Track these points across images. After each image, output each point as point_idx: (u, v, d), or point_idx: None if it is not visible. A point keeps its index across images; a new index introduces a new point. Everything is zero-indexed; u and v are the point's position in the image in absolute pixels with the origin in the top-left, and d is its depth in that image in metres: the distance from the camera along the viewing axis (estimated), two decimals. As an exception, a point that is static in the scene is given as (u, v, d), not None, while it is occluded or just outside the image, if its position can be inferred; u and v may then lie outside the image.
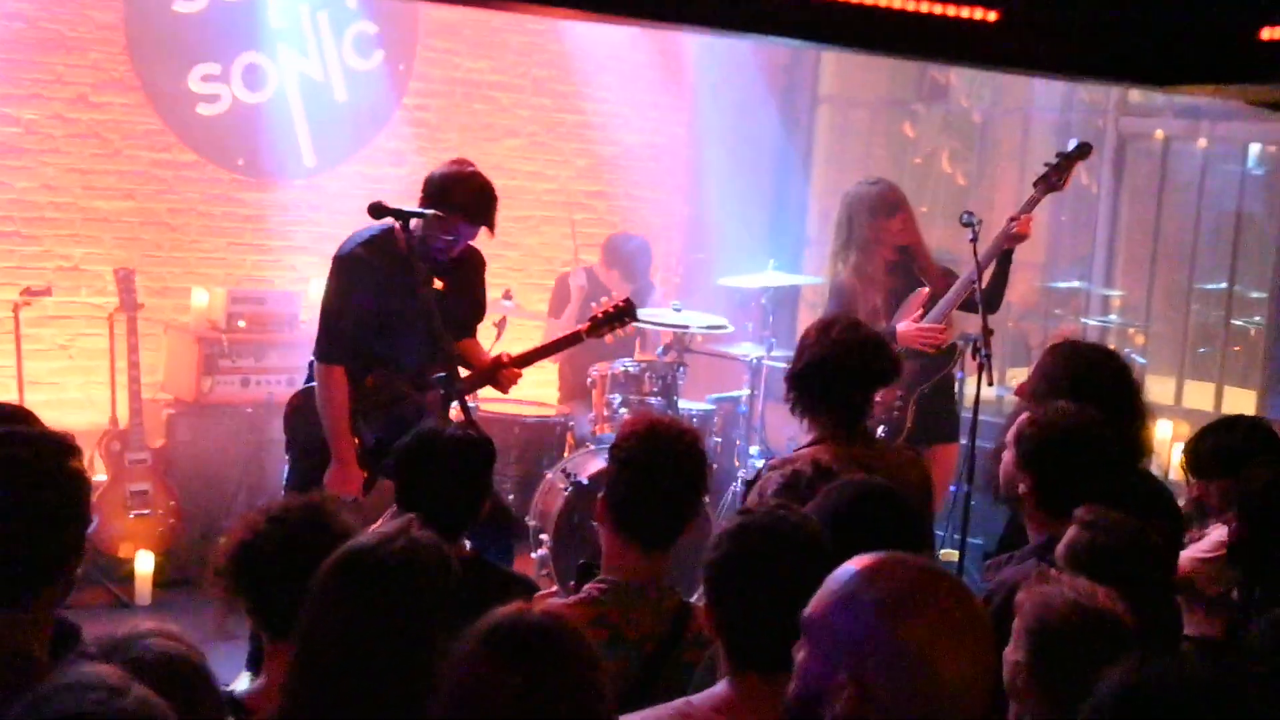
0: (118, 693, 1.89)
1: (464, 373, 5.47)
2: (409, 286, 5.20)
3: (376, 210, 5.14)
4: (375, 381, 5.37)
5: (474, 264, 5.60)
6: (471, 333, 5.69)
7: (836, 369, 4.29)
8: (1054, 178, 6.00)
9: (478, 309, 5.71)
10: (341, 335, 5.34)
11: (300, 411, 5.47)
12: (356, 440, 5.36)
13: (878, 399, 6.22)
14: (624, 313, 5.59)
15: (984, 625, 2.01)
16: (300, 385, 5.60)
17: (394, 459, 3.93)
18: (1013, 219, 6.14)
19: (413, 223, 5.25)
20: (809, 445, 4.26)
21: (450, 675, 2.25)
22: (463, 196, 5.27)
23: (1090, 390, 4.21)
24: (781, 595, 2.44)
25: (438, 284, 5.37)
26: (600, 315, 5.59)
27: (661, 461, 3.33)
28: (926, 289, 6.34)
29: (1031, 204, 6.12)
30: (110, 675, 1.93)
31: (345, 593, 2.57)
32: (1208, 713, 2.27)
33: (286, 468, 5.62)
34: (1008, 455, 3.92)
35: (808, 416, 4.33)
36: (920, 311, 6.35)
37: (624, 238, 8.14)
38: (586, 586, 3.34)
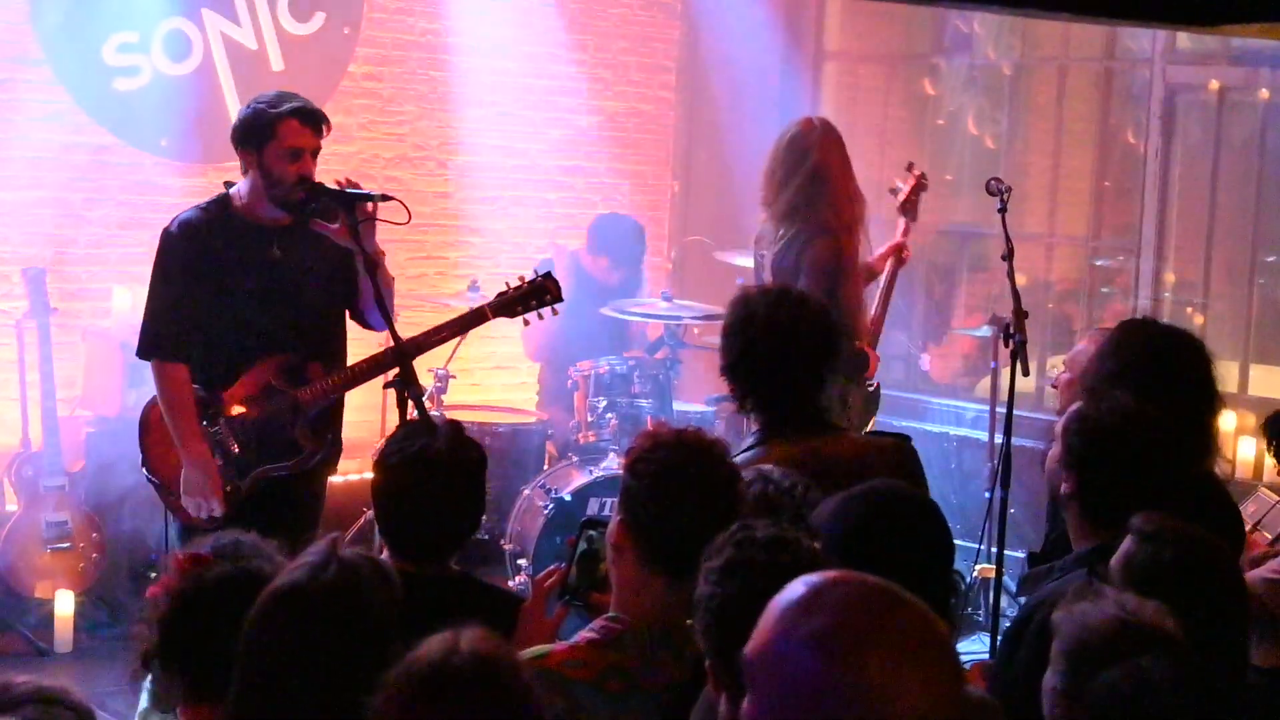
0: None
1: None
2: (258, 252, 5.17)
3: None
4: (241, 378, 5.21)
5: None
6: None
7: (769, 350, 4.21)
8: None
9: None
10: (173, 325, 5.18)
11: (156, 419, 5.27)
12: (218, 450, 5.18)
13: None
14: (542, 289, 5.31)
15: (943, 651, 1.99)
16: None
17: (378, 475, 3.88)
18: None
19: (242, 187, 5.21)
20: (750, 448, 4.18)
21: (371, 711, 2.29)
22: (266, 106, 5.19)
23: (1168, 378, 4.20)
24: None
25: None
26: (513, 291, 5.32)
27: (694, 476, 3.27)
28: None
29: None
30: None
31: (283, 636, 2.58)
32: None
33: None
34: (1054, 450, 3.90)
35: (753, 411, 4.26)
36: None
37: (614, 218, 8.14)
38: (599, 624, 3.32)
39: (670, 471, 3.26)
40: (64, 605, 6.85)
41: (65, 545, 7.00)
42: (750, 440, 4.23)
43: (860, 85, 9.43)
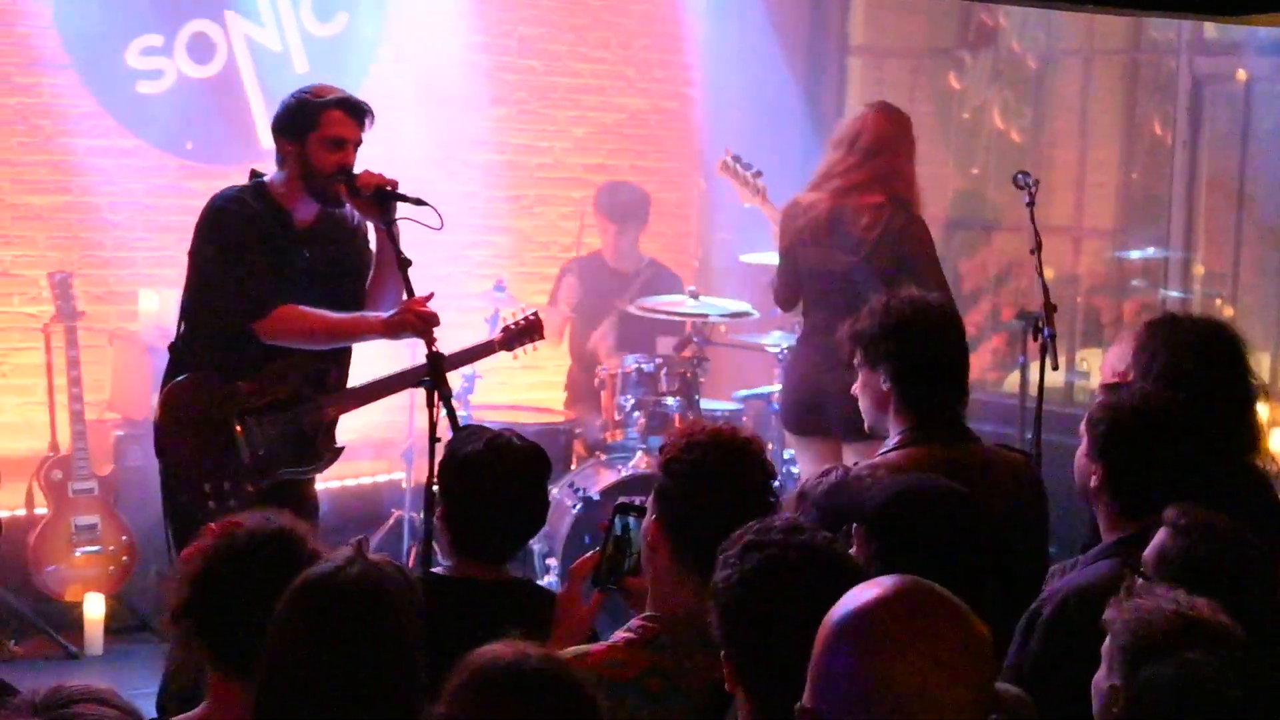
0: None
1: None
2: (292, 250, 5.20)
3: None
4: (267, 375, 5.21)
5: (352, 224, 5.39)
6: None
7: (941, 357, 4.33)
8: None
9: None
10: (258, 286, 5.11)
11: (178, 408, 5.21)
12: (246, 449, 5.14)
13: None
14: (532, 327, 5.58)
15: (978, 661, 2.04)
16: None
17: (450, 477, 3.96)
18: None
19: (277, 178, 5.23)
20: (897, 449, 4.28)
21: (437, 711, 2.36)
22: (310, 95, 5.22)
23: (1198, 372, 4.21)
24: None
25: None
26: (512, 328, 5.58)
27: (729, 474, 3.32)
28: None
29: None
30: None
31: (307, 628, 2.69)
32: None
33: (164, 492, 5.28)
34: (1082, 445, 3.92)
35: (901, 410, 4.33)
36: None
37: (614, 183, 8.31)
38: (636, 624, 3.35)
39: (705, 469, 3.28)
40: (94, 608, 6.90)
41: (95, 548, 7.04)
42: (896, 440, 4.29)
43: (885, 80, 9.41)
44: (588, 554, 3.70)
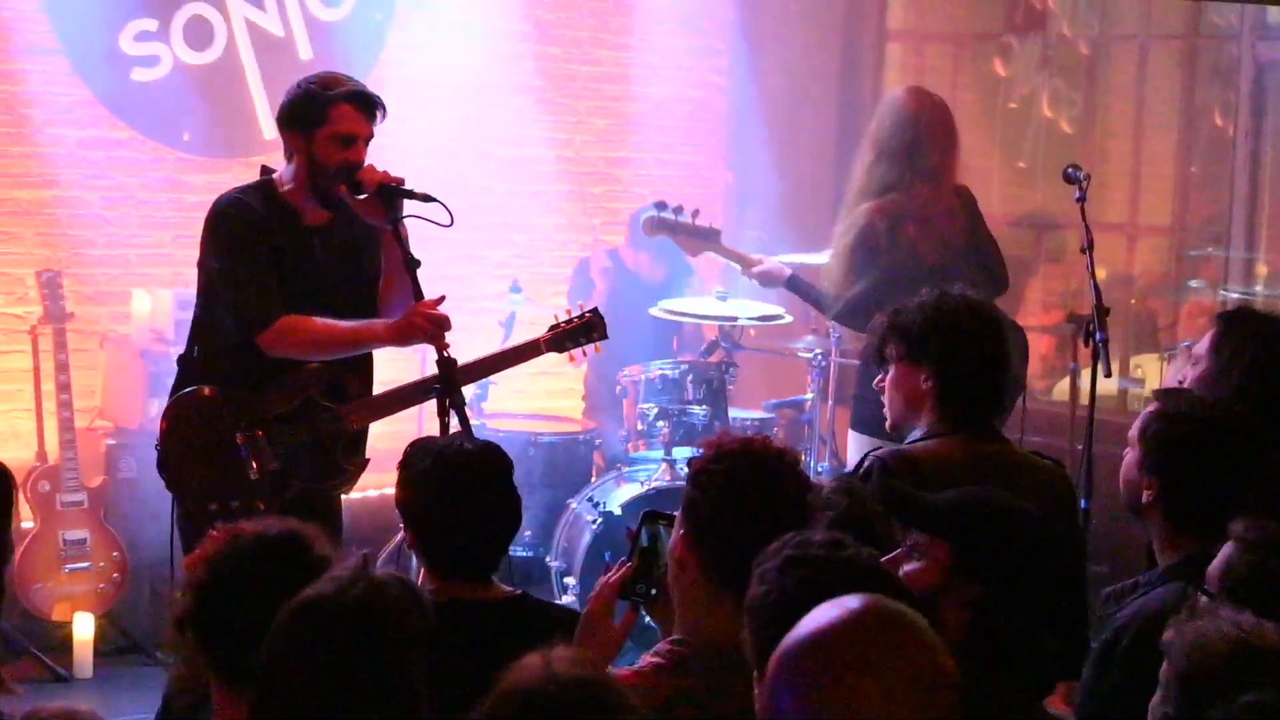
0: None
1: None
2: (301, 250, 5.17)
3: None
4: (281, 386, 5.17)
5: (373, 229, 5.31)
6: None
7: (987, 354, 4.36)
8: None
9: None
10: (260, 298, 5.07)
11: (182, 422, 5.17)
12: (254, 464, 5.11)
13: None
14: (591, 326, 5.47)
15: (937, 689, 2.06)
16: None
17: (405, 494, 3.97)
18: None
19: (285, 173, 5.20)
20: (925, 439, 4.30)
21: None
22: (318, 87, 5.15)
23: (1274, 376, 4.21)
24: None
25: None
26: (564, 326, 5.46)
27: (761, 487, 3.30)
28: None
29: None
30: None
31: (305, 654, 2.66)
32: None
33: (174, 511, 5.23)
34: (1130, 455, 3.88)
35: (936, 406, 4.36)
36: None
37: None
38: (664, 647, 3.32)
39: (736, 481, 3.27)
40: (83, 628, 6.89)
41: (84, 565, 7.03)
42: (923, 431, 4.33)
43: (926, 67, 9.39)
44: (617, 567, 3.66)
